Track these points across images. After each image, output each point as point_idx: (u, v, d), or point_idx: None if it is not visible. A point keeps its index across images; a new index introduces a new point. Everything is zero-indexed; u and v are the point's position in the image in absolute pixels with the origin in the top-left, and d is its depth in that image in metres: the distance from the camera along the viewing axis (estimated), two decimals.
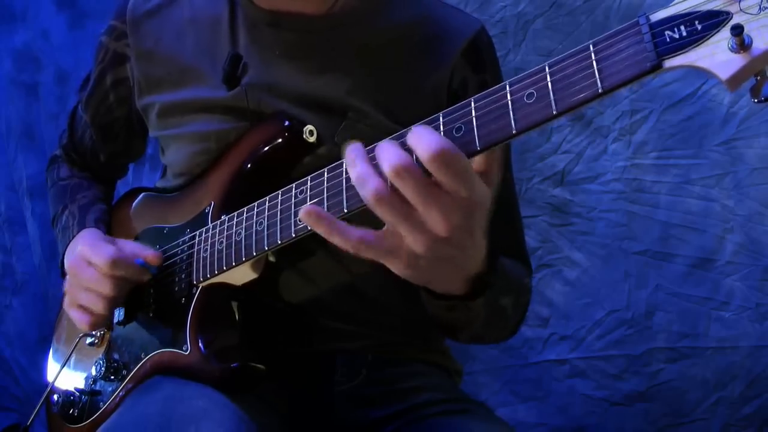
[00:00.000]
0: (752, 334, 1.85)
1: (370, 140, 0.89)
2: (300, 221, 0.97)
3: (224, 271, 1.09)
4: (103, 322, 1.21)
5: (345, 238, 0.81)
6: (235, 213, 1.09)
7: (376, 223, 0.82)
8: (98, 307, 1.17)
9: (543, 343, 2.11)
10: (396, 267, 0.85)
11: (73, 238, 1.30)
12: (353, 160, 0.79)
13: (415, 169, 0.76)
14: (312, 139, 1.12)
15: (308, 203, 0.88)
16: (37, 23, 2.95)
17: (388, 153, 0.76)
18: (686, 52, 0.68)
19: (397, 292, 1.24)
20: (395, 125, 1.03)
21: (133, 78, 1.30)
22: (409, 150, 0.77)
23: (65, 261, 1.29)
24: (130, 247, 1.19)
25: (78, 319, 1.21)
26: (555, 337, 2.09)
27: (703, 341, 1.90)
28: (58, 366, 1.34)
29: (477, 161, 0.81)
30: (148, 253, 1.17)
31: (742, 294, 1.86)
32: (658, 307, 1.96)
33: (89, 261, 1.16)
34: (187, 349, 1.09)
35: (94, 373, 1.24)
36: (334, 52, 1.18)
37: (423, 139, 0.75)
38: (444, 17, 1.24)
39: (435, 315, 1.04)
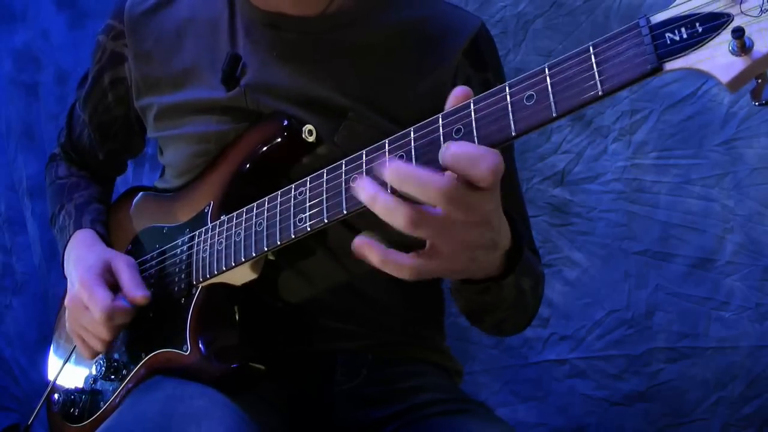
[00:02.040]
0: (752, 334, 1.84)
1: (369, 141, 0.89)
2: (299, 222, 0.97)
3: (224, 272, 1.09)
4: (104, 353, 1.22)
5: (400, 265, 0.81)
6: (235, 213, 1.09)
7: (377, 223, 0.82)
8: (96, 345, 1.18)
9: (543, 343, 2.11)
10: (450, 274, 0.87)
11: (69, 238, 1.30)
12: (373, 197, 0.79)
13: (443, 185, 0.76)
14: (311, 139, 1.12)
15: (360, 235, 0.86)
16: (37, 23, 2.95)
17: (429, 182, 0.76)
18: (687, 54, 0.68)
19: (398, 291, 1.24)
20: (394, 126, 1.02)
21: (130, 78, 1.30)
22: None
23: (65, 265, 1.29)
24: (124, 277, 1.17)
25: (80, 347, 1.22)
26: (555, 337, 2.09)
27: (703, 341, 1.90)
28: (58, 365, 1.34)
29: None
30: (137, 296, 1.14)
31: (742, 294, 1.85)
32: (658, 307, 1.96)
33: (86, 305, 1.15)
34: (187, 349, 1.09)
35: (94, 372, 1.24)
36: (333, 52, 1.18)
37: (473, 160, 0.75)
38: (443, 16, 1.23)
39: (466, 300, 1.04)
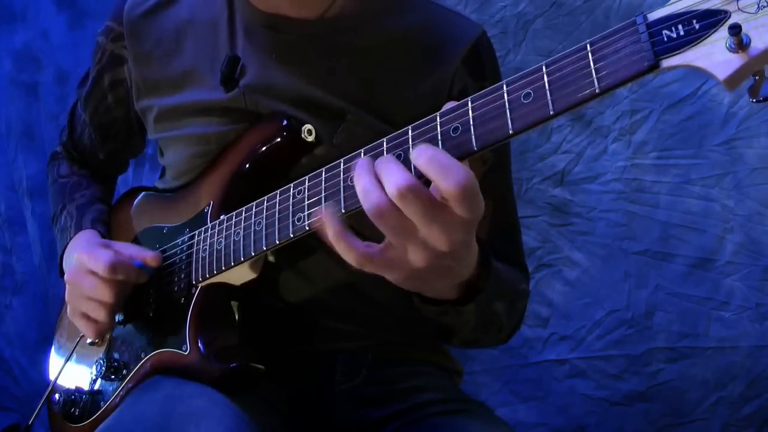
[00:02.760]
0: (752, 334, 1.85)
1: (367, 143, 0.90)
2: (297, 221, 0.97)
3: (223, 271, 1.09)
4: (108, 328, 1.21)
5: (350, 248, 0.82)
6: (234, 213, 1.09)
7: (373, 226, 0.82)
8: (101, 314, 1.17)
9: (543, 343, 2.11)
10: (395, 279, 0.86)
11: (70, 239, 1.30)
12: (359, 174, 0.81)
13: (420, 191, 0.76)
14: (310, 139, 1.12)
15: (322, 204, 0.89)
16: (37, 23, 2.95)
17: (392, 173, 0.77)
18: (684, 51, 0.68)
19: (397, 291, 1.23)
20: (392, 128, 1.02)
21: (130, 80, 1.29)
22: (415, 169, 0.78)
23: (63, 264, 1.29)
24: (128, 249, 1.19)
25: (83, 328, 1.21)
26: (555, 337, 2.09)
27: (703, 341, 1.90)
28: (59, 365, 1.34)
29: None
30: (146, 255, 1.17)
31: (742, 294, 1.85)
32: (658, 307, 1.96)
33: (87, 269, 1.15)
34: (186, 349, 1.09)
35: (94, 372, 1.24)
36: (332, 55, 1.18)
37: (451, 171, 0.75)
38: (444, 22, 1.23)
39: (428, 319, 1.04)
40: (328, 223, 0.82)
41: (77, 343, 1.30)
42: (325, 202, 0.92)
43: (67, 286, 1.21)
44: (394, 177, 0.77)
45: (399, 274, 0.85)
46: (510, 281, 1.12)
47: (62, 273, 1.27)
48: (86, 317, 1.19)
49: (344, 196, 0.90)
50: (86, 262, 1.15)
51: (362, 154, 0.89)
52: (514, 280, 1.16)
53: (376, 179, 0.79)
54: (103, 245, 1.19)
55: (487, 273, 0.94)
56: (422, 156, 0.77)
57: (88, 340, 1.25)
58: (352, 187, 0.85)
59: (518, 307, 1.17)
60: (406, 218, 0.78)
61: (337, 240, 0.82)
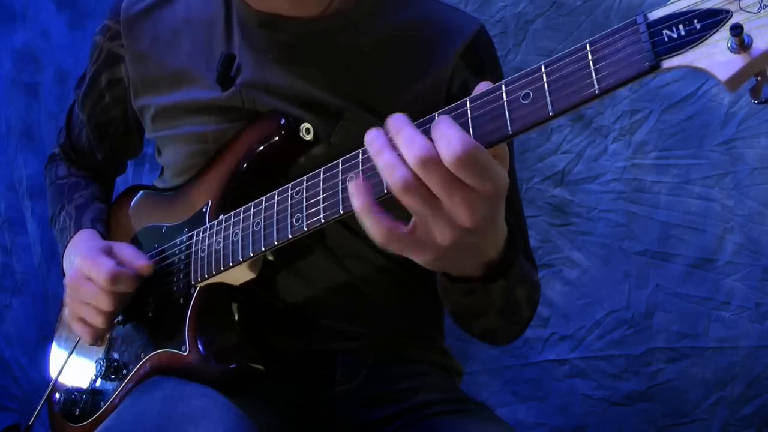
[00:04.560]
0: (752, 334, 1.84)
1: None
2: (296, 222, 0.97)
3: (222, 272, 1.09)
4: (105, 333, 1.21)
5: (378, 223, 0.80)
6: (232, 213, 1.09)
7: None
8: (98, 321, 1.17)
9: (543, 343, 2.11)
10: (422, 259, 0.84)
11: (70, 239, 1.30)
12: (379, 150, 0.79)
13: (438, 160, 0.75)
14: (308, 137, 1.12)
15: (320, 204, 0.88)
16: (37, 23, 2.95)
17: (413, 143, 0.76)
18: (685, 52, 0.67)
19: (397, 291, 1.24)
20: None
21: (128, 79, 1.29)
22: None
23: (64, 264, 1.29)
24: (126, 253, 1.18)
25: (80, 331, 1.21)
26: (555, 337, 2.09)
27: (703, 341, 1.90)
28: (59, 365, 1.34)
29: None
30: (139, 264, 1.16)
31: (742, 294, 1.85)
32: (658, 307, 1.95)
33: (88, 276, 1.14)
34: (186, 350, 1.09)
35: (94, 372, 1.24)
36: (329, 54, 1.17)
37: (446, 140, 0.75)
38: (442, 18, 1.22)
39: (452, 301, 1.03)
40: (357, 194, 0.80)
41: (77, 343, 1.30)
42: (323, 203, 0.92)
43: (66, 288, 1.21)
44: (414, 146, 0.76)
45: (425, 255, 0.83)
46: (528, 270, 1.11)
47: (65, 273, 1.27)
48: (84, 321, 1.19)
49: (342, 197, 0.89)
50: (87, 267, 1.14)
51: (360, 154, 0.89)
52: (530, 270, 1.16)
53: (398, 154, 0.78)
54: (104, 251, 1.18)
55: (514, 253, 0.93)
56: (436, 131, 0.76)
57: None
58: None
59: (534, 299, 1.16)
60: (430, 192, 0.77)
61: (365, 213, 0.80)
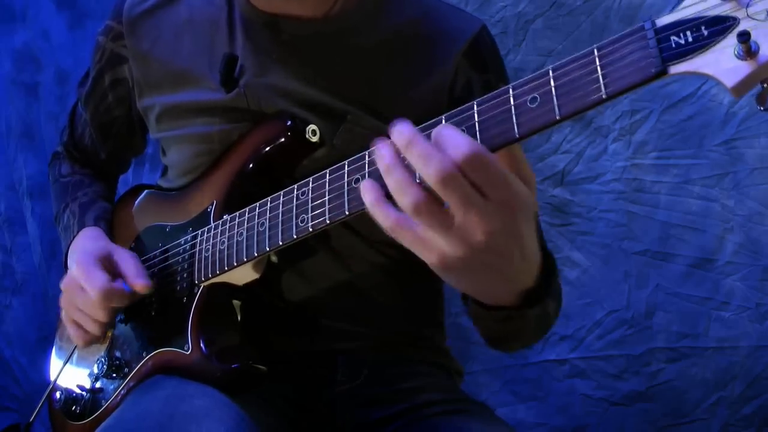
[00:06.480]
0: (752, 334, 1.85)
1: (368, 144, 0.89)
2: (301, 222, 0.97)
3: (226, 272, 1.09)
4: (99, 339, 1.21)
5: (387, 214, 0.77)
6: (237, 213, 1.09)
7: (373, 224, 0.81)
8: (92, 328, 1.17)
9: (543, 343, 2.11)
10: (429, 261, 0.80)
11: (74, 237, 1.30)
12: (389, 167, 0.76)
13: (461, 177, 0.72)
14: (315, 139, 1.12)
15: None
16: (37, 23, 2.95)
17: (431, 160, 0.72)
18: (692, 58, 0.67)
19: (398, 292, 1.24)
20: None
21: (131, 79, 1.29)
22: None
23: (68, 262, 1.29)
24: (126, 266, 1.17)
25: (74, 335, 1.21)
26: (555, 337, 2.09)
27: (703, 341, 1.90)
28: (60, 363, 1.34)
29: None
30: (138, 283, 1.14)
31: (742, 294, 1.86)
32: (658, 307, 1.96)
33: (82, 286, 1.14)
34: (188, 349, 1.09)
35: (96, 370, 1.24)
36: (331, 55, 1.18)
37: (453, 144, 0.72)
38: (444, 18, 1.23)
39: (485, 327, 1.01)
40: (367, 190, 0.78)
41: None
42: (328, 204, 0.92)
43: (62, 291, 1.21)
44: (433, 164, 0.72)
45: (432, 257, 0.78)
46: (558, 282, 1.07)
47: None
48: (78, 325, 1.19)
49: (348, 199, 0.90)
50: (80, 278, 1.14)
51: (366, 156, 0.89)
52: (557, 280, 1.14)
53: (409, 172, 0.75)
54: (100, 259, 1.17)
55: (550, 279, 0.89)
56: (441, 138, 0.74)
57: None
58: (356, 189, 0.85)
59: (560, 304, 1.12)
60: (441, 210, 0.74)
61: (375, 207, 0.78)
